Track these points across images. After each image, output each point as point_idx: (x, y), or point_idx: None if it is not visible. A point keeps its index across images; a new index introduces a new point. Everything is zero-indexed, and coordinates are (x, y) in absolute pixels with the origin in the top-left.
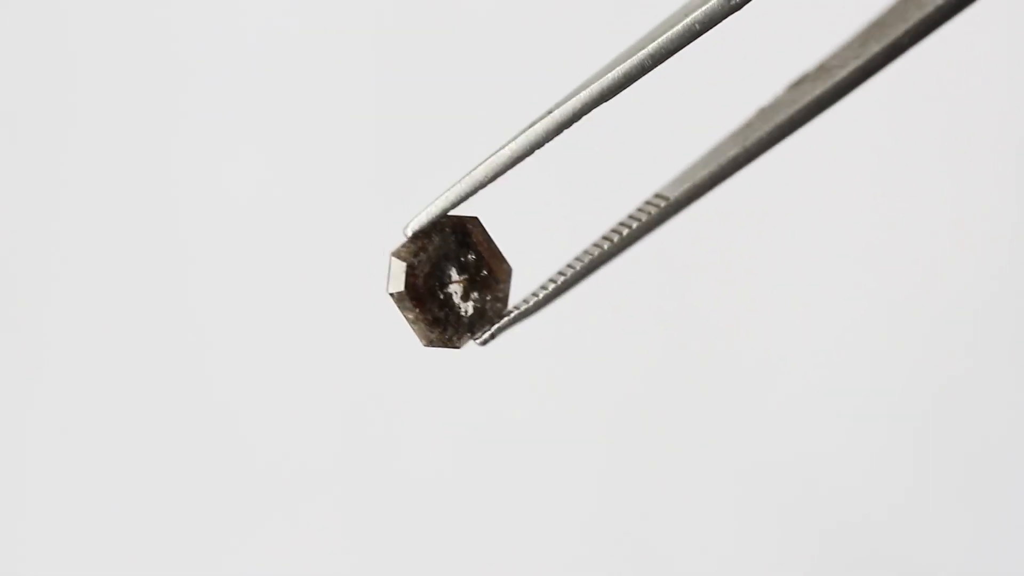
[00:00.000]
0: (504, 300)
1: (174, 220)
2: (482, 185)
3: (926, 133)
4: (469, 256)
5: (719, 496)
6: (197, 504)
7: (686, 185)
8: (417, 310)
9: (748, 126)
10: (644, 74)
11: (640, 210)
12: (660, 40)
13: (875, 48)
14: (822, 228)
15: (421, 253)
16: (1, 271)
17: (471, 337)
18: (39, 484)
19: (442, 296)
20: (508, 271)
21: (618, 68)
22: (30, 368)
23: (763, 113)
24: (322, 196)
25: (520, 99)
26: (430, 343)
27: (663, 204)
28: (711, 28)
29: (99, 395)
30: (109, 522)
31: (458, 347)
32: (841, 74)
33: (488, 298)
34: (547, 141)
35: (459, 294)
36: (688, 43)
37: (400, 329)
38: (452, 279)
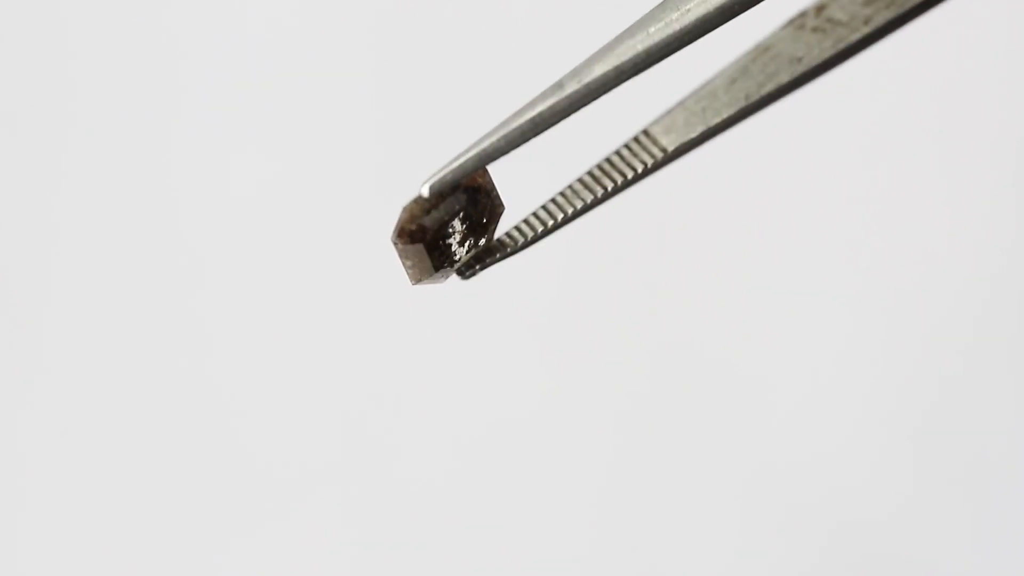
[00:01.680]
0: (491, 235)
1: (173, 219)
2: (495, 156)
3: (924, 133)
4: (476, 211)
5: (720, 498)
6: (194, 505)
7: (679, 137)
8: (416, 258)
9: (746, 73)
10: (669, 54)
11: (630, 150)
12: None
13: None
14: (823, 229)
15: (433, 211)
16: (1, 270)
17: (453, 271)
18: (37, 484)
19: (442, 245)
20: (500, 207)
21: (641, 44)
22: (28, 367)
23: (762, 62)
24: (320, 196)
25: (524, 92)
26: (418, 282)
27: (651, 149)
28: (737, 16)
29: (99, 395)
30: (108, 522)
31: (441, 281)
32: (851, 37)
33: (481, 237)
34: (566, 116)
35: (457, 241)
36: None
37: (400, 329)
38: (455, 229)
